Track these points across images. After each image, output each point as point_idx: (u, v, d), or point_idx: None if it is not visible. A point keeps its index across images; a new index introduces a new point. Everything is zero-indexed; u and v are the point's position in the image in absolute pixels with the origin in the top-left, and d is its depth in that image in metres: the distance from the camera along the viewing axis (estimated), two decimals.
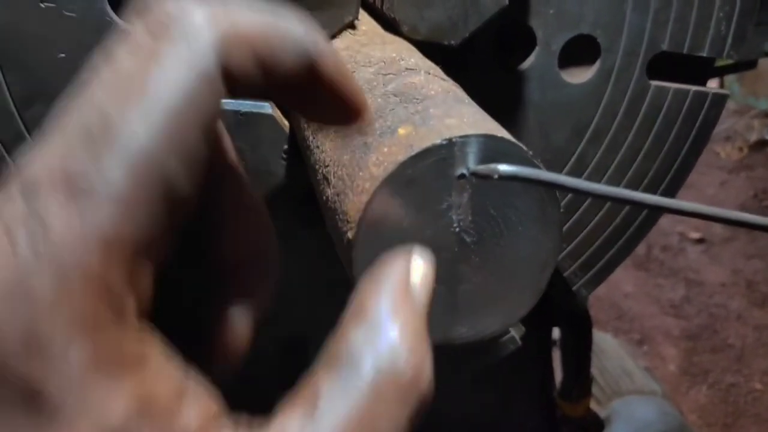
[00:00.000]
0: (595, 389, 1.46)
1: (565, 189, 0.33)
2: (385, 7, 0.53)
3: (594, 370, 1.33)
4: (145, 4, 0.25)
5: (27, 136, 0.58)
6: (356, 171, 0.34)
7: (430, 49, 0.51)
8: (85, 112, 0.24)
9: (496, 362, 0.79)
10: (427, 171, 0.32)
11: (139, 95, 0.23)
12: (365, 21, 0.54)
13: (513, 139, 0.33)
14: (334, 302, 0.77)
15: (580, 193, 0.33)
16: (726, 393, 2.37)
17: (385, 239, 0.33)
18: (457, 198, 0.33)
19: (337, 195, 0.36)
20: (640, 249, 2.73)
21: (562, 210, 0.35)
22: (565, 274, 0.75)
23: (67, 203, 0.21)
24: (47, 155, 0.23)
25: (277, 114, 0.52)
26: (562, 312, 1.12)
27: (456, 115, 0.34)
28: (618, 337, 2.29)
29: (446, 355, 0.79)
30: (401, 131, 0.34)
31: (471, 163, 0.33)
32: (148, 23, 0.24)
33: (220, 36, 0.24)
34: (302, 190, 0.65)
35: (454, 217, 0.33)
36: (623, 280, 2.82)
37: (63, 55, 0.57)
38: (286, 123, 0.52)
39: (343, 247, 0.35)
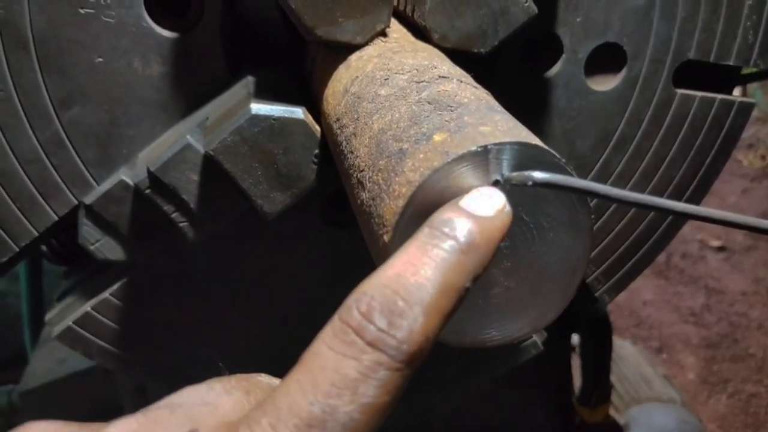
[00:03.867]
0: (613, 396, 1.46)
1: (597, 196, 0.33)
2: (416, 15, 0.54)
3: (613, 377, 1.33)
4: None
5: (65, 137, 0.60)
6: (392, 176, 0.35)
7: (459, 57, 0.52)
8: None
9: (517, 366, 0.80)
10: (462, 177, 0.33)
11: None
12: (396, 29, 0.55)
13: (546, 147, 0.34)
14: None
15: (612, 201, 0.33)
16: (746, 403, 2.35)
17: None
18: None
19: (373, 199, 0.37)
20: (660, 257, 2.71)
21: (592, 216, 0.36)
22: (588, 280, 0.75)
23: None
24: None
25: (309, 119, 0.53)
26: (583, 318, 1.12)
27: (490, 123, 0.35)
28: (637, 344, 2.28)
29: (469, 358, 0.80)
30: (437, 138, 0.35)
31: (505, 170, 0.33)
32: None
33: None
34: (329, 193, 0.67)
35: None
36: (643, 287, 2.81)
37: (101, 59, 0.58)
38: (318, 128, 0.53)
39: (378, 249, 0.36)
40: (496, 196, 0.33)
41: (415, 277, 0.29)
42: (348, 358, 0.28)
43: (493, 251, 0.32)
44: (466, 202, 0.32)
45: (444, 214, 0.32)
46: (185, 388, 0.35)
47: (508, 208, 0.33)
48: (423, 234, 0.31)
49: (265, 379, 0.37)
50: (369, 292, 0.29)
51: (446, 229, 0.31)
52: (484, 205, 0.32)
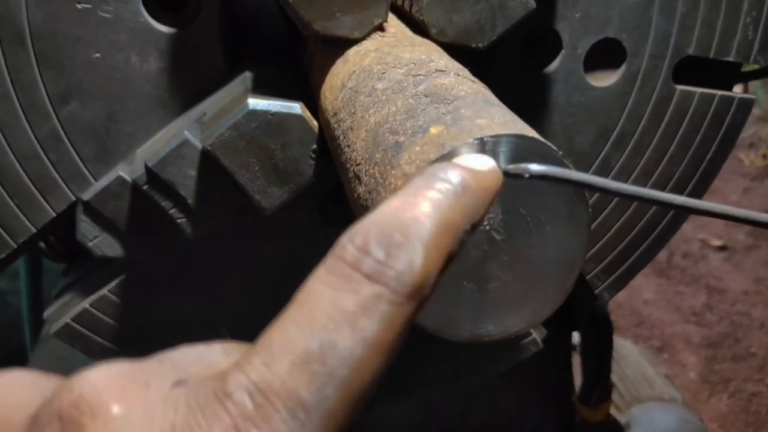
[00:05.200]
0: (614, 395, 1.46)
1: (594, 189, 0.33)
2: (413, 10, 0.54)
3: (614, 376, 1.32)
4: None
5: (62, 133, 0.60)
6: (388, 169, 0.35)
7: (457, 51, 0.52)
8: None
9: (517, 364, 0.80)
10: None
11: None
12: (394, 23, 0.54)
13: (543, 140, 0.34)
14: None
15: (609, 193, 0.33)
16: (747, 402, 2.35)
17: None
18: None
19: (369, 193, 0.37)
20: (661, 256, 2.71)
21: (590, 210, 0.36)
22: (588, 277, 0.75)
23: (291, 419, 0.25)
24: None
25: (307, 114, 0.53)
26: (584, 316, 1.12)
27: (486, 116, 0.35)
28: (638, 344, 2.28)
29: (468, 355, 0.80)
30: (433, 131, 0.35)
31: (502, 162, 0.33)
32: None
33: None
34: (329, 189, 0.67)
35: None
36: (644, 286, 2.80)
37: (98, 54, 0.58)
38: (315, 123, 0.53)
39: None
40: (484, 158, 0.33)
41: (412, 213, 0.28)
42: (345, 291, 0.26)
43: (489, 200, 0.32)
44: (457, 161, 0.32)
45: (436, 165, 0.32)
46: (182, 345, 0.34)
47: (497, 168, 0.33)
48: (417, 179, 0.31)
49: None
50: (364, 228, 0.28)
51: (440, 174, 0.31)
52: (474, 162, 0.32)
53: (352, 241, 0.28)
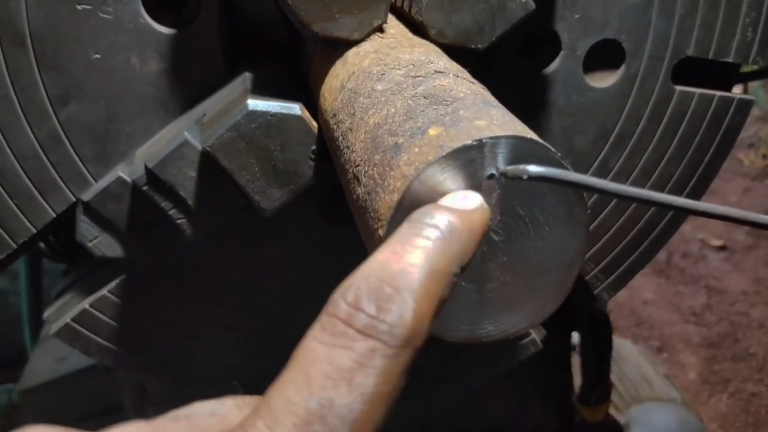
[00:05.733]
0: (614, 395, 1.46)
1: (592, 190, 0.33)
2: (412, 11, 0.54)
3: (613, 377, 1.32)
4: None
5: (62, 134, 0.60)
6: (387, 170, 0.35)
7: (456, 52, 0.52)
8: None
9: (516, 364, 0.80)
10: (458, 171, 0.33)
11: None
12: (393, 25, 0.54)
13: (541, 141, 0.34)
14: None
15: (608, 195, 0.33)
16: (747, 402, 2.35)
17: None
18: (487, 198, 0.34)
19: (368, 194, 0.37)
20: (661, 256, 2.71)
21: (588, 211, 0.36)
22: (587, 277, 0.75)
23: None
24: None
25: (306, 115, 0.53)
26: (583, 316, 1.12)
27: (485, 117, 0.35)
28: (637, 344, 2.28)
29: (468, 356, 0.80)
30: (432, 132, 0.35)
31: (500, 163, 0.33)
32: None
33: None
34: (328, 190, 0.67)
35: None
36: (643, 286, 2.80)
37: (98, 55, 0.58)
38: (315, 124, 0.53)
39: (374, 244, 0.36)
40: (471, 195, 0.33)
41: (400, 264, 0.29)
42: (340, 348, 0.27)
43: (476, 240, 0.32)
44: (443, 201, 0.33)
45: (421, 210, 0.32)
46: (196, 401, 0.34)
47: (485, 205, 0.33)
48: (403, 227, 0.31)
49: None
50: (354, 284, 0.29)
51: (426, 220, 0.31)
52: (461, 202, 0.33)
53: (343, 297, 0.29)
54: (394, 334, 0.28)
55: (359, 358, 0.27)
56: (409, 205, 0.33)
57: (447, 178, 0.33)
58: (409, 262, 0.29)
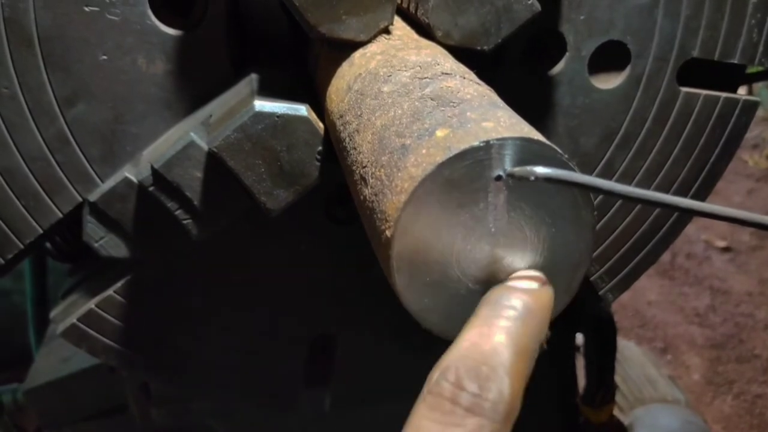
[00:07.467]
0: (617, 397, 1.46)
1: (599, 191, 0.33)
2: (419, 12, 0.54)
3: (617, 378, 1.32)
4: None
5: (69, 135, 0.60)
6: (395, 172, 0.35)
7: (462, 54, 0.52)
8: None
9: None
10: (465, 172, 0.33)
11: None
12: (399, 26, 0.55)
13: (548, 142, 0.34)
14: (363, 301, 0.79)
15: (614, 196, 0.33)
16: (751, 404, 2.34)
17: (422, 238, 0.34)
18: (494, 199, 0.34)
19: (375, 195, 0.37)
20: (665, 257, 2.71)
21: (595, 212, 0.36)
22: (592, 279, 0.75)
23: None
24: None
25: (313, 116, 0.53)
26: (587, 317, 1.12)
27: (492, 119, 0.35)
28: (641, 345, 2.28)
29: None
30: (439, 133, 0.35)
31: (508, 165, 0.33)
32: None
33: None
34: (334, 190, 0.67)
35: (490, 218, 0.34)
36: (647, 287, 2.80)
37: (105, 57, 0.59)
38: (321, 125, 0.53)
39: (381, 245, 0.36)
40: (534, 275, 0.36)
41: (490, 344, 0.32)
42: (452, 426, 0.30)
43: (549, 317, 0.35)
44: (511, 283, 0.35)
45: (496, 292, 0.35)
46: None
47: (549, 284, 0.36)
48: (484, 310, 0.34)
49: None
50: (453, 364, 0.32)
51: (504, 302, 0.34)
52: (528, 281, 0.35)
53: (445, 377, 0.32)
54: (497, 411, 0.31)
55: None
56: (417, 206, 0.33)
57: (455, 179, 0.33)
58: (497, 342, 0.32)
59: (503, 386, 0.31)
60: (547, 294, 0.35)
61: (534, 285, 0.35)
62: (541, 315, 0.34)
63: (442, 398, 0.31)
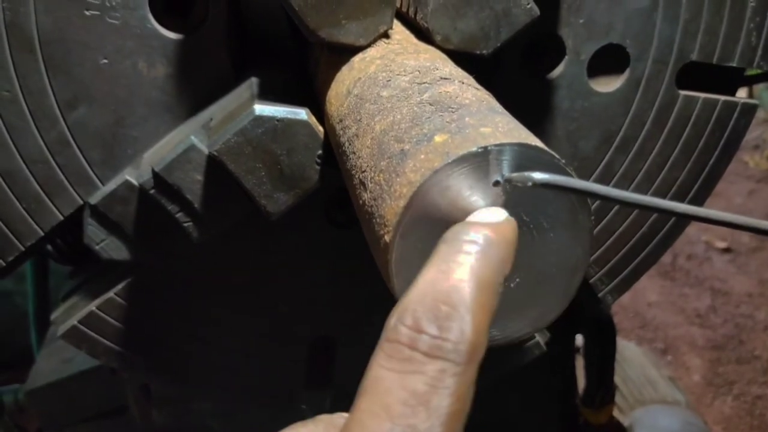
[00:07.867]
0: (617, 398, 1.46)
1: (596, 196, 0.34)
2: (418, 17, 0.54)
3: (617, 379, 1.32)
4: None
5: (70, 138, 0.60)
6: (393, 177, 0.36)
7: (461, 58, 0.52)
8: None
9: (521, 367, 0.80)
10: (463, 178, 0.33)
11: None
12: (399, 30, 0.55)
13: (546, 148, 0.34)
14: (361, 303, 0.79)
15: (612, 201, 0.34)
16: (752, 405, 2.34)
17: (421, 243, 0.34)
18: (492, 205, 0.34)
19: (374, 199, 0.37)
20: (665, 258, 2.71)
21: (592, 217, 0.36)
22: (591, 281, 0.75)
23: None
24: None
25: (313, 120, 0.53)
26: (587, 319, 1.12)
27: (491, 124, 0.35)
28: (642, 346, 2.28)
29: None
30: (437, 139, 0.35)
31: (505, 170, 0.34)
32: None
33: None
34: (333, 194, 0.67)
35: None
36: (648, 288, 2.80)
37: (106, 60, 0.59)
38: (321, 129, 0.53)
39: (380, 249, 0.36)
40: (495, 210, 0.34)
41: (449, 282, 0.30)
42: (411, 374, 0.28)
43: (512, 249, 0.33)
44: (471, 219, 0.33)
45: (455, 228, 0.33)
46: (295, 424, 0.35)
47: (511, 217, 0.34)
48: (441, 247, 0.32)
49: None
50: (410, 306, 0.30)
51: (464, 237, 0.32)
52: (488, 216, 0.33)
53: (402, 321, 0.29)
54: (459, 351, 0.28)
55: (432, 381, 0.28)
56: (416, 211, 0.34)
57: (453, 184, 0.33)
58: (457, 278, 0.30)
59: (464, 325, 0.29)
60: (510, 226, 0.33)
61: (495, 218, 0.33)
62: (505, 247, 0.32)
63: (399, 344, 0.29)
